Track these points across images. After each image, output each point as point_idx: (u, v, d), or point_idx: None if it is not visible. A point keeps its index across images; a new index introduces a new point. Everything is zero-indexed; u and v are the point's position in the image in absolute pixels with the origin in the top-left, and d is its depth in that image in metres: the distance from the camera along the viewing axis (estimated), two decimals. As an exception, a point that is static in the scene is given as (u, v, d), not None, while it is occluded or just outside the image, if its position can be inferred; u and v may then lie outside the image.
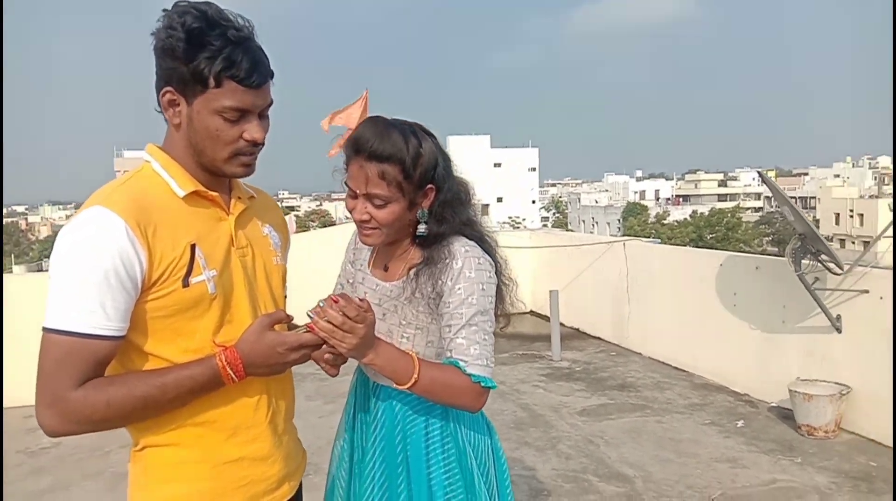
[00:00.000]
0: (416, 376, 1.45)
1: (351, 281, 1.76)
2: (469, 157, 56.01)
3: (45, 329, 1.22)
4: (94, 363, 1.23)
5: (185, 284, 1.28)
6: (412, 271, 1.58)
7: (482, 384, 1.50)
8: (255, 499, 1.42)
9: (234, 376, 1.30)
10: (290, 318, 1.43)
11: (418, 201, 1.55)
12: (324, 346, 1.37)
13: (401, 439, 1.63)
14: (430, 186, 1.55)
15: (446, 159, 1.60)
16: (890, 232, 4.54)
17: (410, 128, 1.53)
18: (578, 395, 5.40)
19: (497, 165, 58.72)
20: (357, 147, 1.49)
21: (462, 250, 1.54)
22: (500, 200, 57.60)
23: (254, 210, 1.49)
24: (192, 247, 1.30)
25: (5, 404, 5.50)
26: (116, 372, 1.29)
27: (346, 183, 1.54)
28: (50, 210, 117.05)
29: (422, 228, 1.57)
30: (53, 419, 1.22)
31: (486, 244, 1.63)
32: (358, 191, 1.50)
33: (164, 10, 1.28)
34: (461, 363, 1.49)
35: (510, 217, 52.03)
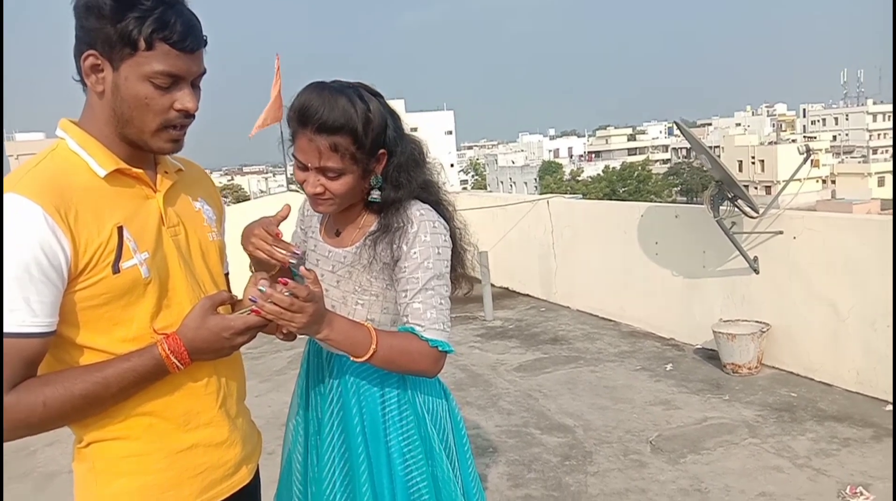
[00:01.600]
0: (374, 347, 1.41)
1: (303, 249, 1.69)
2: (384, 123, 55.45)
3: None
4: (24, 364, 1.13)
5: (116, 269, 1.19)
6: (368, 239, 1.54)
7: (440, 349, 1.49)
8: (212, 486, 1.36)
9: (178, 364, 1.23)
10: (233, 298, 1.36)
11: (371, 168, 1.50)
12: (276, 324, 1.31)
13: (357, 410, 1.59)
14: (381, 150, 1.49)
15: (396, 119, 1.54)
16: (799, 174, 4.77)
17: (356, 90, 1.46)
18: (514, 352, 5.48)
19: (413, 129, 56.91)
20: (304, 119, 1.41)
21: (417, 214, 1.52)
22: (417, 165, 57.48)
23: (183, 184, 1.39)
24: (120, 229, 1.20)
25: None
26: (52, 369, 1.20)
27: (293, 155, 1.47)
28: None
29: (375, 194, 1.52)
30: None
31: (441, 208, 1.60)
32: (309, 164, 1.44)
33: None
34: (417, 329, 1.47)
35: (429, 182, 52.07)
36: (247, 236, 1.47)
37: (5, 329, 1.10)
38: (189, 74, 1.23)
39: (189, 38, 1.20)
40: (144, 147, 1.26)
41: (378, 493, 1.56)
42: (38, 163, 1.20)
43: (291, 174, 1.64)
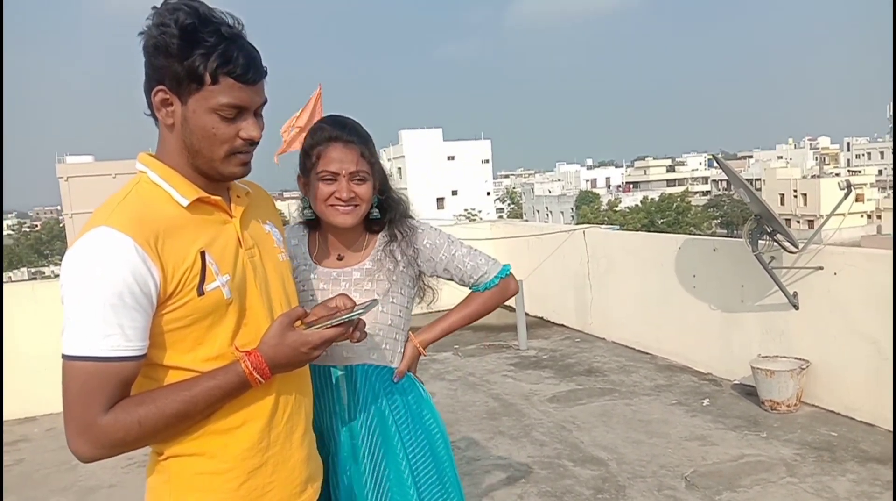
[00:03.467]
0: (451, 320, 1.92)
1: (295, 280, 1.79)
2: (422, 151, 55.96)
3: (65, 357, 1.19)
4: (119, 386, 1.21)
5: (200, 292, 1.26)
6: (384, 249, 1.79)
7: (502, 276, 1.88)
8: None
9: (260, 378, 1.29)
10: (306, 313, 1.41)
11: (376, 186, 1.77)
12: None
13: (392, 423, 1.77)
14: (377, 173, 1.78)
15: None
16: (840, 210, 4.71)
17: (357, 122, 1.77)
18: (547, 382, 5.46)
19: (451, 158, 58.73)
20: (333, 136, 1.69)
21: (416, 223, 1.86)
22: (454, 193, 57.68)
23: (253, 209, 1.47)
24: (203, 254, 1.28)
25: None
26: (141, 386, 1.27)
27: (321, 171, 1.69)
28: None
29: (375, 211, 1.79)
30: (86, 446, 1.20)
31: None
32: (343, 171, 1.68)
33: (154, 8, 1.24)
34: (480, 286, 1.88)
35: (466, 210, 52.21)
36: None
37: (103, 354, 1.18)
38: (252, 104, 1.31)
39: (251, 71, 1.27)
40: (216, 175, 1.34)
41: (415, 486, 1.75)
42: (124, 197, 1.28)
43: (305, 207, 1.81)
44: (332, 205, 1.69)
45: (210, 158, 1.31)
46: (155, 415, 1.22)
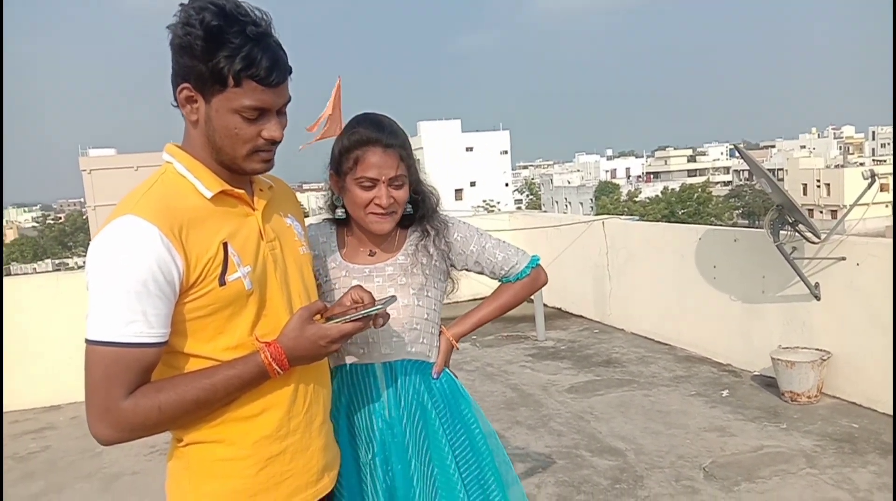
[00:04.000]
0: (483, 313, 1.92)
1: (324, 279, 1.80)
2: (441, 142, 55.81)
3: (88, 341, 1.21)
4: (141, 371, 1.23)
5: (222, 282, 1.29)
6: (419, 244, 1.80)
7: (532, 267, 1.89)
8: (298, 492, 1.42)
9: (279, 370, 1.32)
10: (326, 307, 1.43)
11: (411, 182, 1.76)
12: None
13: (435, 415, 1.77)
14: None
15: None
16: (864, 200, 4.64)
17: (392, 119, 1.74)
18: (565, 373, 5.46)
19: (469, 149, 58.57)
20: (372, 139, 1.65)
21: (446, 218, 1.85)
22: (473, 184, 57.53)
23: (275, 202, 1.49)
24: (225, 245, 1.30)
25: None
26: (161, 373, 1.29)
27: (360, 177, 1.65)
28: (15, 213, 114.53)
29: (408, 207, 1.77)
30: (107, 429, 1.23)
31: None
32: (383, 177, 1.65)
33: (181, 5, 1.25)
34: (511, 277, 1.89)
35: (484, 201, 52.03)
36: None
37: (126, 339, 1.20)
38: (274, 105, 1.32)
39: (274, 74, 1.28)
40: (238, 170, 1.36)
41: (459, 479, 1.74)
42: (150, 186, 1.30)
43: (333, 199, 1.80)
44: (371, 212, 1.68)
45: (233, 155, 1.33)
46: (175, 401, 1.24)
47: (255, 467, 1.36)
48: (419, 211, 1.80)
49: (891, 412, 4.12)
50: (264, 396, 1.36)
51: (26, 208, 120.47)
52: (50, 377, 5.34)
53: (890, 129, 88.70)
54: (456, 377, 1.90)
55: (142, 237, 1.20)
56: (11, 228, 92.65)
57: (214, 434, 1.34)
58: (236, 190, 1.36)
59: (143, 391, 1.24)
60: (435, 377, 1.79)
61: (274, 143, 1.35)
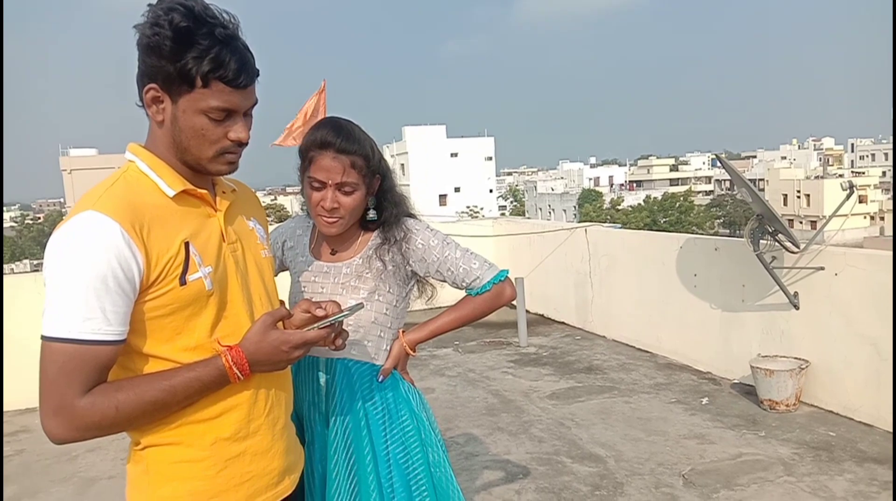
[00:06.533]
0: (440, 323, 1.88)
1: (292, 270, 1.90)
2: (426, 147, 55.84)
3: (44, 337, 1.19)
4: (98, 369, 1.21)
5: (183, 282, 1.27)
6: (376, 250, 1.81)
7: (496, 282, 1.84)
8: (257, 494, 1.41)
9: (240, 375, 1.31)
10: (290, 314, 1.42)
11: (372, 189, 1.79)
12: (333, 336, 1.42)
13: (363, 413, 1.78)
14: (377, 175, 1.79)
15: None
16: (842, 211, 4.70)
17: (358, 126, 1.76)
18: (547, 379, 5.47)
19: (454, 155, 58.64)
20: (328, 142, 1.68)
21: (411, 223, 1.84)
22: (457, 190, 57.59)
23: (238, 205, 1.48)
24: (187, 245, 1.29)
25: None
26: (117, 375, 1.27)
27: (310, 177, 1.71)
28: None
29: (372, 213, 1.81)
30: (60, 427, 1.21)
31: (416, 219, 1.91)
32: (330, 181, 1.69)
33: (149, 5, 1.25)
34: (473, 290, 1.85)
35: (468, 207, 52.09)
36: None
37: (83, 336, 1.18)
38: (242, 107, 1.32)
39: (242, 76, 1.28)
40: (203, 171, 1.36)
41: (383, 483, 1.72)
42: (112, 183, 1.29)
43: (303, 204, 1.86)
44: (318, 214, 1.74)
45: (198, 156, 1.32)
46: (133, 402, 1.23)
47: (213, 468, 1.35)
48: (382, 217, 1.82)
49: (867, 421, 4.16)
50: (224, 398, 1.34)
51: (5, 208, 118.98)
52: (24, 380, 5.25)
53: (869, 141, 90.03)
54: (413, 383, 1.90)
55: (102, 233, 1.19)
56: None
57: (172, 437, 1.32)
58: (199, 190, 1.35)
59: (101, 389, 1.22)
60: (380, 379, 1.80)
61: (240, 144, 1.34)
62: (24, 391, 5.30)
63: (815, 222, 48.30)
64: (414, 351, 1.87)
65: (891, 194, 57.94)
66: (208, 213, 1.38)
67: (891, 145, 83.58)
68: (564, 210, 65.32)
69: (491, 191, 61.28)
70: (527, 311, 6.78)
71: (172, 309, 1.28)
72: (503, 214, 60.17)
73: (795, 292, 4.52)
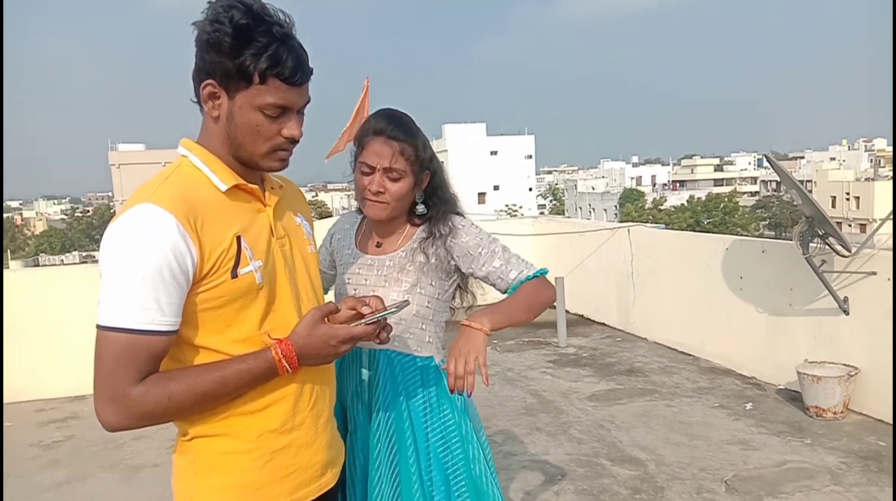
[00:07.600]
0: (497, 316, 1.72)
1: (339, 262, 1.95)
2: (465, 145, 55.85)
3: (100, 327, 1.22)
4: (151, 359, 1.24)
5: (234, 275, 1.29)
6: (420, 244, 1.83)
7: (538, 277, 1.83)
8: (301, 487, 1.43)
9: (288, 368, 1.32)
10: (337, 309, 1.43)
11: (420, 182, 1.82)
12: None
13: (406, 408, 1.78)
14: (427, 171, 1.82)
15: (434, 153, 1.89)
16: None
17: (411, 119, 1.81)
18: (587, 380, 5.43)
19: (493, 153, 58.55)
20: (378, 129, 1.75)
21: (459, 221, 1.86)
22: (496, 188, 57.49)
23: (286, 201, 1.51)
24: (238, 239, 1.31)
25: (15, 398, 5.54)
26: (167, 366, 1.30)
27: (361, 162, 1.76)
28: (45, 205, 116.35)
29: (420, 207, 1.85)
30: (115, 415, 1.23)
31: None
32: (378, 165, 1.73)
33: (209, 2, 1.27)
34: (514, 285, 1.82)
35: (507, 205, 51.96)
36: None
37: (138, 326, 1.21)
38: (296, 104, 1.34)
39: (298, 74, 1.30)
40: (255, 166, 1.38)
41: (423, 477, 1.73)
42: (166, 177, 1.32)
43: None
44: (364, 197, 1.78)
45: (252, 152, 1.34)
46: (185, 391, 1.25)
47: (260, 460, 1.37)
48: (430, 213, 1.86)
49: (919, 432, 4.04)
50: (271, 391, 1.36)
51: (55, 201, 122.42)
52: (75, 368, 5.42)
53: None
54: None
55: (158, 225, 1.21)
56: (41, 219, 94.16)
57: (220, 428, 1.34)
58: (250, 185, 1.38)
59: (154, 379, 1.24)
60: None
61: (293, 141, 1.36)
62: (73, 379, 5.47)
63: (864, 225, 46.93)
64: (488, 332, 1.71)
65: (946, 197, 55.94)
66: (258, 208, 1.41)
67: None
68: (605, 210, 64.65)
69: (530, 189, 61.06)
70: (567, 311, 6.74)
71: (224, 301, 1.30)
72: (542, 212, 59.80)
73: (845, 297, 4.40)
